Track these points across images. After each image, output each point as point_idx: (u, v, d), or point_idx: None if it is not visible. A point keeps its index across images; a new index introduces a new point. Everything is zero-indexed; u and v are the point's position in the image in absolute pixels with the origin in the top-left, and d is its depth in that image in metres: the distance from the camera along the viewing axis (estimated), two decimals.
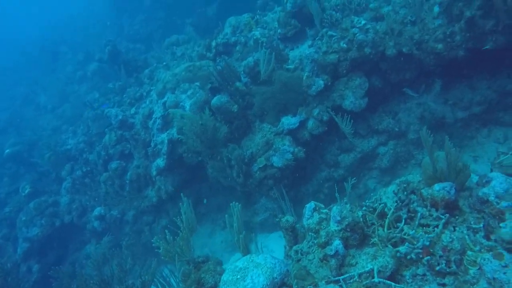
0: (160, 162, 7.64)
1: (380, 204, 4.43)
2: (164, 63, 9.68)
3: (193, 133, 6.64)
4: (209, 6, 12.83)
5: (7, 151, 12.39)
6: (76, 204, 9.66)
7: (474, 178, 7.22)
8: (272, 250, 7.56)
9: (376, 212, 4.10)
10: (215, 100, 7.06)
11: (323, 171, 7.74)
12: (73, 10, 22.10)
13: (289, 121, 7.06)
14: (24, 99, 16.92)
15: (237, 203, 4.51)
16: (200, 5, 13.07)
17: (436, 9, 6.65)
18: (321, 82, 6.83)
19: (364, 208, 4.33)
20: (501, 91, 6.75)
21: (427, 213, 3.99)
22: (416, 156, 7.51)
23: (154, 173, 7.79)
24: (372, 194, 7.79)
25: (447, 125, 7.21)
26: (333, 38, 6.96)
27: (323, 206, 4.90)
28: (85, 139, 10.37)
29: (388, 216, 4.01)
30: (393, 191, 4.68)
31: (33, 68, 18.40)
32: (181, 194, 4.96)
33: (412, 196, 4.36)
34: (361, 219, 4.09)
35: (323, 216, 4.52)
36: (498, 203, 3.67)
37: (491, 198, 3.73)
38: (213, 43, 8.05)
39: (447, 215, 3.77)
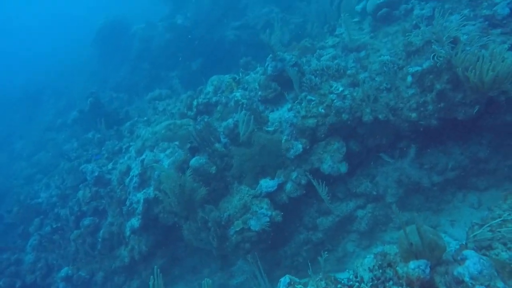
0: (135, 222, 7.40)
1: (355, 281, 4.33)
2: (145, 118, 9.69)
3: (171, 192, 6.51)
4: (193, 61, 13.17)
5: None
6: (42, 263, 9.12)
7: (452, 244, 7.22)
8: None
9: None
10: (193, 161, 7.01)
11: (302, 234, 7.62)
12: (61, 55, 22.31)
13: (267, 184, 7.01)
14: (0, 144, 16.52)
15: (208, 280, 4.31)
16: (185, 59, 13.41)
17: (409, 78, 6.95)
18: (300, 146, 6.90)
19: (339, 286, 4.21)
20: (473, 157, 6.93)
21: None
22: (394, 220, 7.50)
23: (128, 233, 7.51)
24: (350, 261, 7.72)
25: (424, 189, 7.28)
26: (312, 103, 7.13)
27: (297, 280, 4.75)
28: (58, 193, 10.02)
29: None
30: (369, 267, 4.60)
31: (14, 112, 18.16)
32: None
33: (388, 272, 4.29)
34: None
35: None
36: (473, 285, 3.64)
37: (466, 279, 3.72)
38: (195, 102, 8.15)
39: None
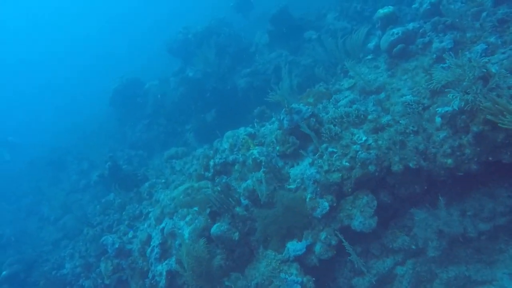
0: None
1: None
2: (163, 180, 9.47)
3: (189, 265, 6.10)
4: (207, 112, 13.07)
5: (4, 273, 11.81)
6: None
7: None
8: None
9: None
10: (214, 229, 6.61)
11: None
12: (80, 116, 23.02)
13: (295, 247, 6.49)
14: (29, 211, 16.75)
15: None
16: (199, 112, 13.34)
17: (438, 120, 6.44)
18: (326, 204, 6.40)
19: None
20: None
21: None
22: (440, 275, 6.74)
23: None
24: None
25: (471, 239, 6.54)
26: (334, 156, 6.69)
27: None
28: (82, 262, 9.78)
29: None
30: None
31: (40, 178, 18.58)
32: None
33: None
34: None
35: None
36: None
37: None
38: (211, 163, 7.85)
39: None
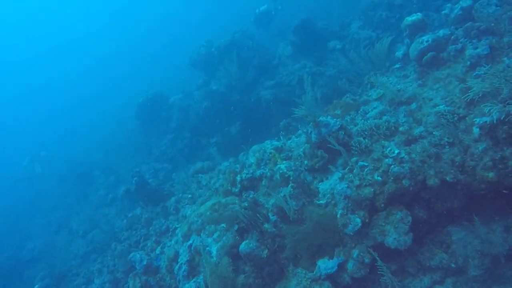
0: None
1: None
2: (190, 195, 9.43)
3: (213, 285, 5.97)
4: (232, 125, 13.04)
5: (36, 286, 12.07)
6: None
7: None
8: None
9: None
10: (243, 247, 6.47)
11: None
12: (106, 131, 23.52)
13: (326, 265, 6.25)
14: (59, 224, 17.12)
15: None
16: (223, 125, 13.33)
17: (476, 130, 6.13)
18: (358, 220, 6.16)
19: None
20: None
21: None
22: None
23: None
24: None
25: None
26: (365, 170, 6.45)
27: None
28: (110, 278, 9.81)
29: None
30: None
31: (69, 192, 19.00)
32: None
33: None
34: None
35: None
36: None
37: None
38: (238, 178, 7.74)
39: None
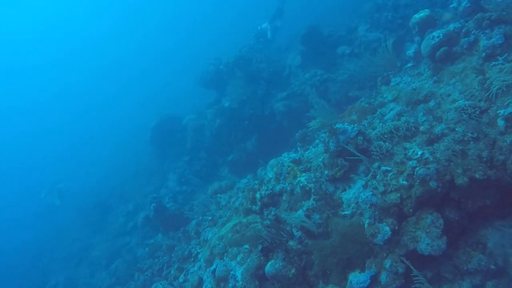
0: None
1: None
2: (210, 218, 9.23)
3: None
4: (247, 141, 12.89)
5: None
6: None
7: None
8: None
9: None
10: (269, 268, 6.20)
11: None
12: (120, 159, 23.68)
13: (358, 279, 5.92)
14: (80, 257, 17.06)
15: None
16: (238, 141, 13.19)
17: (501, 122, 5.83)
18: (387, 228, 5.85)
19: None
20: None
21: None
22: None
23: None
24: None
25: None
26: (389, 174, 6.17)
27: None
28: None
29: None
30: None
31: (88, 223, 18.98)
32: None
33: None
34: None
35: None
36: None
37: None
38: (258, 195, 7.52)
39: None
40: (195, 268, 8.14)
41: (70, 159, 30.14)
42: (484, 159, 5.86)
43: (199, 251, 8.52)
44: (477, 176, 5.73)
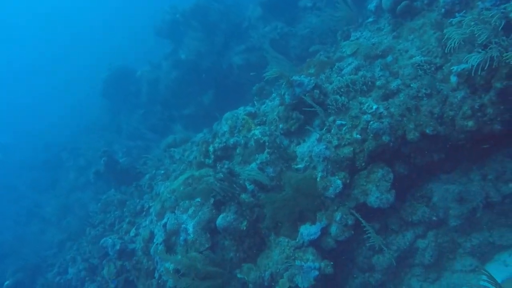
0: None
1: None
2: (163, 171, 8.95)
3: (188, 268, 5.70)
4: (204, 94, 12.46)
5: (7, 282, 11.37)
6: None
7: None
8: None
9: None
10: (220, 221, 6.13)
11: (357, 278, 6.55)
12: (72, 110, 22.36)
13: (308, 231, 6.01)
14: (29, 213, 16.31)
15: None
16: (196, 95, 12.72)
17: (454, 79, 5.86)
18: (339, 181, 5.89)
19: None
20: None
21: None
22: (463, 244, 6.31)
23: None
24: None
25: (494, 204, 6.06)
26: (344, 128, 6.14)
27: None
28: (86, 266, 9.37)
29: None
30: None
31: (36, 179, 18.02)
32: None
33: None
34: None
35: None
36: None
37: None
38: (211, 148, 7.29)
39: None
40: (147, 222, 7.96)
41: (14, 114, 28.02)
42: (436, 115, 5.93)
43: (151, 205, 8.32)
44: (427, 131, 5.83)
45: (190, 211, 6.67)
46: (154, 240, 7.13)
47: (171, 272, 6.29)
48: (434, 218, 6.22)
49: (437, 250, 6.29)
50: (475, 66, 5.18)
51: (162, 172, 9.11)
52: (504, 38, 4.91)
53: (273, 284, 6.05)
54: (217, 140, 7.29)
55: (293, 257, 5.97)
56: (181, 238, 6.57)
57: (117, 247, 7.78)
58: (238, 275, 6.22)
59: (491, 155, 6.07)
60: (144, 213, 8.54)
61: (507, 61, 4.67)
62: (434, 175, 6.43)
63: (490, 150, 6.00)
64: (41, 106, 26.65)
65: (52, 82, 29.01)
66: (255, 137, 6.85)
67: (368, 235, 5.67)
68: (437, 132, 5.78)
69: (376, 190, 5.92)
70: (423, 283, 6.50)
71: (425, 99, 6.19)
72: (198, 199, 6.71)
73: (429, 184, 6.42)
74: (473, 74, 5.25)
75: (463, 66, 5.60)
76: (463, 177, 6.23)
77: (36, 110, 26.64)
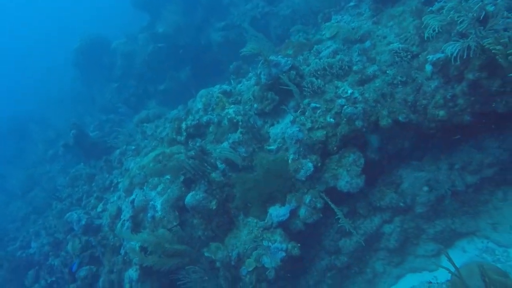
0: (133, 273, 6.45)
1: None
2: (134, 147, 8.72)
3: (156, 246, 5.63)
4: (181, 70, 12.13)
5: None
6: None
7: (498, 251, 6.18)
8: None
9: None
10: (189, 199, 6.04)
11: (324, 259, 6.68)
12: (42, 80, 21.38)
13: (277, 212, 6.01)
14: None
15: None
16: (172, 70, 12.37)
17: (429, 68, 5.87)
18: (310, 164, 5.88)
19: None
20: None
21: None
22: (427, 231, 6.51)
23: (127, 286, 6.57)
24: (381, 281, 6.75)
25: (458, 192, 6.24)
26: (318, 111, 6.10)
27: None
28: (50, 240, 9.12)
29: None
30: None
31: (4, 146, 17.25)
32: None
33: None
34: None
35: None
36: None
37: None
38: (183, 125, 7.12)
39: None
40: (115, 198, 7.78)
41: None
42: (409, 103, 5.95)
43: (120, 181, 8.12)
44: (400, 118, 5.86)
45: (159, 188, 6.54)
46: (121, 216, 6.99)
47: (137, 250, 6.21)
48: (402, 204, 6.35)
49: (402, 235, 6.47)
50: (453, 54, 5.17)
51: (133, 147, 8.88)
52: (481, 28, 4.92)
53: (240, 263, 6.07)
54: (190, 117, 7.12)
55: (261, 238, 5.99)
56: (149, 215, 6.46)
57: (83, 222, 7.59)
58: (206, 254, 6.20)
59: (459, 145, 6.20)
60: (112, 188, 8.35)
61: (486, 47, 4.67)
62: (404, 162, 6.52)
63: (459, 141, 6.13)
64: (7, 75, 25.34)
65: (22, 51, 27.61)
66: (229, 116, 6.73)
67: (338, 217, 5.72)
68: (409, 119, 5.83)
69: (347, 175, 5.96)
70: (387, 266, 6.70)
71: (400, 86, 6.20)
72: (168, 177, 6.58)
73: (399, 171, 6.52)
74: (452, 62, 5.25)
75: (438, 55, 5.61)
76: (432, 166, 6.36)
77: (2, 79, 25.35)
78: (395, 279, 6.60)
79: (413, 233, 6.54)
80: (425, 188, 6.28)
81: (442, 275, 5.96)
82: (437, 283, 5.81)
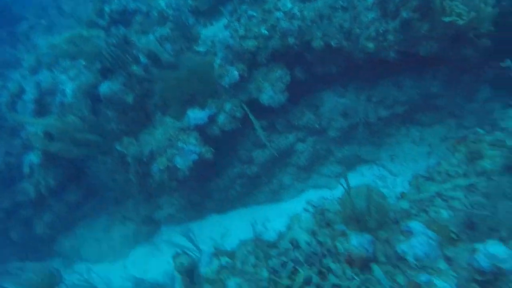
0: (34, 157, 6.09)
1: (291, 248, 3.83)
2: (45, 23, 7.67)
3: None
4: None
5: None
6: None
7: (389, 179, 6.98)
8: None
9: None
10: (104, 89, 5.63)
11: (236, 167, 6.96)
12: None
13: (196, 115, 5.95)
14: None
15: None
16: None
17: None
18: (236, 72, 5.77)
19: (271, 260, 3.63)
20: (424, 92, 6.34)
21: (341, 272, 3.48)
22: (335, 154, 7.06)
23: (28, 169, 6.23)
24: (286, 193, 7.29)
25: (370, 123, 6.71)
26: (253, 20, 5.83)
27: (224, 249, 4.08)
28: None
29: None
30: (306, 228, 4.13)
31: None
32: None
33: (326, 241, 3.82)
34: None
35: (224, 263, 3.75)
36: (416, 266, 3.31)
37: (410, 259, 3.36)
38: (107, 9, 6.36)
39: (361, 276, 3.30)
40: (17, 75, 6.96)
41: None
42: (344, 29, 5.92)
43: (25, 57, 7.23)
44: (332, 43, 5.85)
45: (71, 73, 5.97)
46: (24, 97, 6.34)
47: (41, 135, 5.80)
48: (317, 126, 6.66)
49: (312, 155, 6.90)
50: None
51: (45, 24, 7.80)
52: None
53: (152, 161, 6.06)
54: (116, 0, 6.35)
55: (176, 138, 5.95)
56: (57, 99, 5.96)
57: None
58: (117, 147, 6.04)
59: (381, 79, 6.49)
60: (15, 65, 7.40)
61: None
62: (329, 88, 6.71)
63: (381, 75, 6.42)
64: None
65: None
66: (159, 8, 6.13)
67: (255, 128, 5.84)
68: (341, 46, 5.86)
69: (271, 89, 5.99)
70: (294, 181, 7.21)
71: (340, 11, 6.08)
72: (83, 62, 6.00)
73: (322, 94, 6.73)
74: None
75: None
76: (353, 95, 6.64)
77: None
78: (298, 192, 7.17)
79: (322, 154, 7.02)
80: (342, 115, 6.64)
81: (339, 194, 6.66)
82: (331, 199, 6.46)
